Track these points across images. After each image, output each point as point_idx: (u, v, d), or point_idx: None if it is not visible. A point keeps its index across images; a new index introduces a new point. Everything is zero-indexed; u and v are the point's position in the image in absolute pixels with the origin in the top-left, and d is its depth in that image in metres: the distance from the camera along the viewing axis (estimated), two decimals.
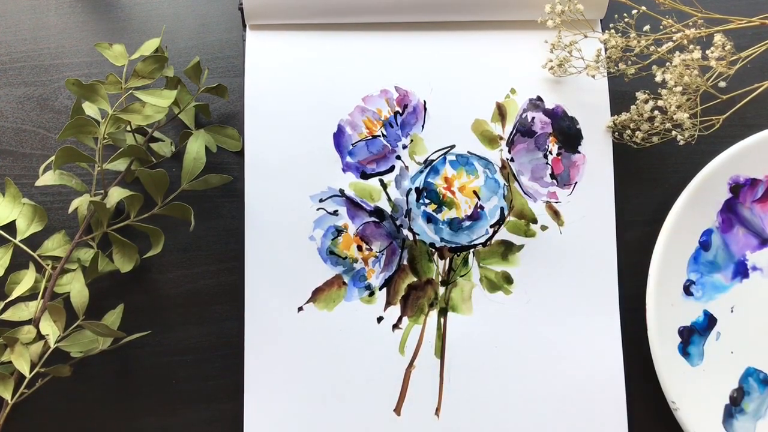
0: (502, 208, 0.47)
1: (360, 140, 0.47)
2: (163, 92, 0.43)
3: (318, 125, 0.47)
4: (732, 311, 0.46)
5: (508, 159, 0.47)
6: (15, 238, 0.45)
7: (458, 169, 0.47)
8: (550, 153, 0.47)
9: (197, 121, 0.50)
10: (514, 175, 0.47)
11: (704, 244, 0.46)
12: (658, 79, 0.44)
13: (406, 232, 0.47)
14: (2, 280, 0.45)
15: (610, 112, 0.47)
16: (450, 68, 0.48)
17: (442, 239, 0.47)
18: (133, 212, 0.45)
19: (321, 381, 0.45)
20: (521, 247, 0.47)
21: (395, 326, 0.46)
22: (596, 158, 0.47)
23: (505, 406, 0.45)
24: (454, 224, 0.47)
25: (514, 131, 0.48)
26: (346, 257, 0.46)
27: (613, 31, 0.45)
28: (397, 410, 0.45)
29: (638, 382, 0.46)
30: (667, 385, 0.44)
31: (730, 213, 0.47)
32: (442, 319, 0.46)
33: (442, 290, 0.46)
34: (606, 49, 0.45)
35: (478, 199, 0.47)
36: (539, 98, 0.48)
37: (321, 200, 0.47)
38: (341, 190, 0.47)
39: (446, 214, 0.47)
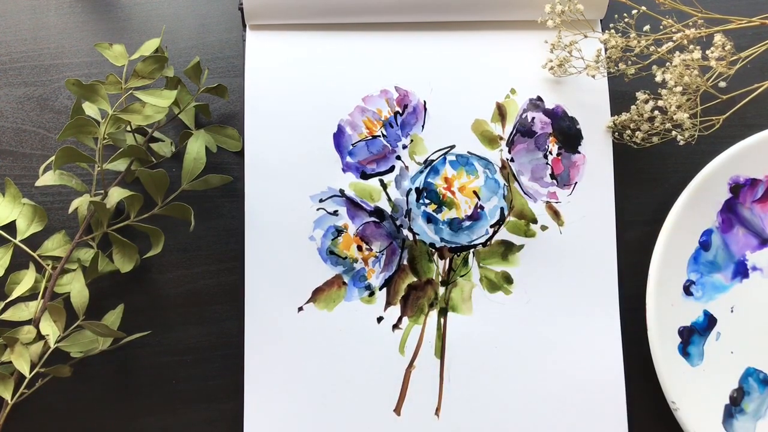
0: (502, 208, 0.47)
1: (360, 140, 0.47)
2: (163, 92, 0.43)
3: (318, 125, 0.47)
4: (732, 311, 0.46)
5: (508, 159, 0.47)
6: (15, 238, 0.45)
7: (458, 169, 0.47)
8: (550, 153, 0.47)
9: (197, 121, 0.50)
10: (514, 175, 0.47)
11: (704, 244, 0.46)
12: (658, 79, 0.44)
13: (406, 232, 0.47)
14: (2, 280, 0.45)
15: (610, 112, 0.47)
16: (450, 68, 0.48)
17: (442, 239, 0.47)
18: (133, 212, 0.45)
19: (321, 381, 0.45)
20: (521, 247, 0.47)
21: (395, 326, 0.46)
22: (596, 158, 0.47)
23: (505, 406, 0.45)
24: (454, 224, 0.47)
25: (514, 131, 0.48)
26: (346, 257, 0.46)
27: (613, 31, 0.45)
28: (397, 410, 0.45)
29: (638, 382, 0.46)
30: (667, 385, 0.44)
31: (730, 213, 0.47)
32: (442, 319, 0.46)
33: (442, 290, 0.46)
34: (606, 49, 0.45)
35: (478, 199, 0.47)
36: (539, 98, 0.48)
37: (321, 200, 0.47)
38: (341, 190, 0.47)
39: (446, 214, 0.47)
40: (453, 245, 0.47)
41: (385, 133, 0.48)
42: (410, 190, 0.47)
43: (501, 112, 0.48)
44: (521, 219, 0.47)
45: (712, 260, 0.47)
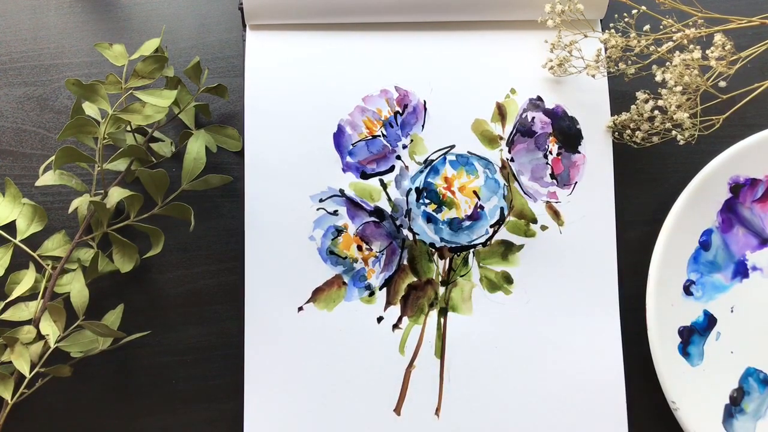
0: (502, 208, 0.47)
1: (360, 140, 0.47)
2: (163, 92, 0.43)
3: (318, 125, 0.47)
4: (732, 311, 0.46)
5: (508, 159, 0.47)
6: (15, 238, 0.45)
7: (458, 169, 0.47)
8: (550, 153, 0.47)
9: (197, 121, 0.50)
10: (514, 175, 0.47)
11: (704, 244, 0.46)
12: (658, 78, 0.44)
13: (406, 232, 0.47)
14: (2, 280, 0.45)
15: (610, 112, 0.47)
16: (450, 68, 0.48)
17: (442, 239, 0.47)
18: (133, 212, 0.45)
19: (321, 381, 0.45)
20: (521, 247, 0.47)
21: (395, 326, 0.46)
22: (596, 158, 0.47)
23: (505, 406, 0.45)
24: (454, 224, 0.47)
25: (514, 131, 0.48)
26: (346, 257, 0.46)
27: (613, 30, 0.45)
28: (397, 410, 0.45)
29: (638, 382, 0.46)
30: (667, 385, 0.44)
31: (730, 213, 0.47)
32: (442, 319, 0.46)
33: (442, 290, 0.46)
34: (606, 49, 0.45)
35: (478, 199, 0.47)
36: (539, 98, 0.48)
37: (321, 200, 0.47)
38: (341, 190, 0.47)
39: (446, 214, 0.47)
40: (453, 245, 0.47)
41: (385, 133, 0.48)
42: (410, 190, 0.47)
43: (501, 112, 0.48)
44: (521, 219, 0.47)
45: (712, 260, 0.47)
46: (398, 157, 0.47)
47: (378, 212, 0.47)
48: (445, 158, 0.47)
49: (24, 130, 0.50)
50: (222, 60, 0.51)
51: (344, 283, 0.46)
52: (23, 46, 0.51)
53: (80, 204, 0.45)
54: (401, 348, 0.46)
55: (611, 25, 0.45)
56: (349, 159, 0.47)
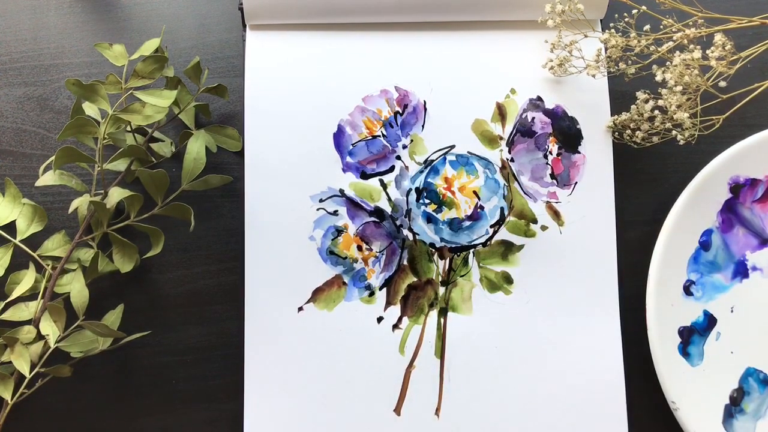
0: (502, 208, 0.47)
1: (360, 140, 0.47)
2: (163, 92, 0.43)
3: (318, 125, 0.47)
4: (732, 311, 0.46)
5: (508, 159, 0.47)
6: (15, 238, 0.45)
7: (458, 169, 0.47)
8: (550, 153, 0.47)
9: (197, 121, 0.50)
10: (514, 175, 0.47)
11: (704, 244, 0.46)
12: (659, 78, 0.44)
13: (406, 232, 0.47)
14: (2, 280, 0.45)
15: (610, 112, 0.47)
16: (450, 68, 0.48)
17: (442, 239, 0.47)
18: (133, 212, 0.45)
19: (321, 381, 0.45)
20: (521, 247, 0.47)
21: (395, 326, 0.46)
22: (596, 158, 0.47)
23: (505, 406, 0.45)
24: (454, 224, 0.47)
25: (514, 131, 0.48)
26: (346, 257, 0.46)
27: (613, 30, 0.45)
28: (397, 410, 0.45)
29: (638, 382, 0.46)
30: (667, 385, 0.44)
31: (730, 213, 0.47)
32: (442, 319, 0.46)
33: (442, 290, 0.46)
34: (606, 49, 0.45)
35: (478, 199, 0.47)
36: (539, 98, 0.48)
37: (321, 200, 0.47)
38: (341, 190, 0.47)
39: (446, 214, 0.47)
40: (453, 245, 0.47)
41: (385, 133, 0.48)
42: (410, 190, 0.47)
43: (501, 112, 0.48)
44: (521, 219, 0.47)
45: (712, 260, 0.47)
46: (398, 157, 0.47)
47: (378, 212, 0.47)
48: (445, 158, 0.47)
49: (24, 130, 0.50)
50: (222, 60, 0.51)
51: (344, 283, 0.46)
52: (23, 46, 0.51)
53: (80, 204, 0.45)
54: (401, 348, 0.46)
55: (611, 25, 0.45)
56: (349, 159, 0.47)
